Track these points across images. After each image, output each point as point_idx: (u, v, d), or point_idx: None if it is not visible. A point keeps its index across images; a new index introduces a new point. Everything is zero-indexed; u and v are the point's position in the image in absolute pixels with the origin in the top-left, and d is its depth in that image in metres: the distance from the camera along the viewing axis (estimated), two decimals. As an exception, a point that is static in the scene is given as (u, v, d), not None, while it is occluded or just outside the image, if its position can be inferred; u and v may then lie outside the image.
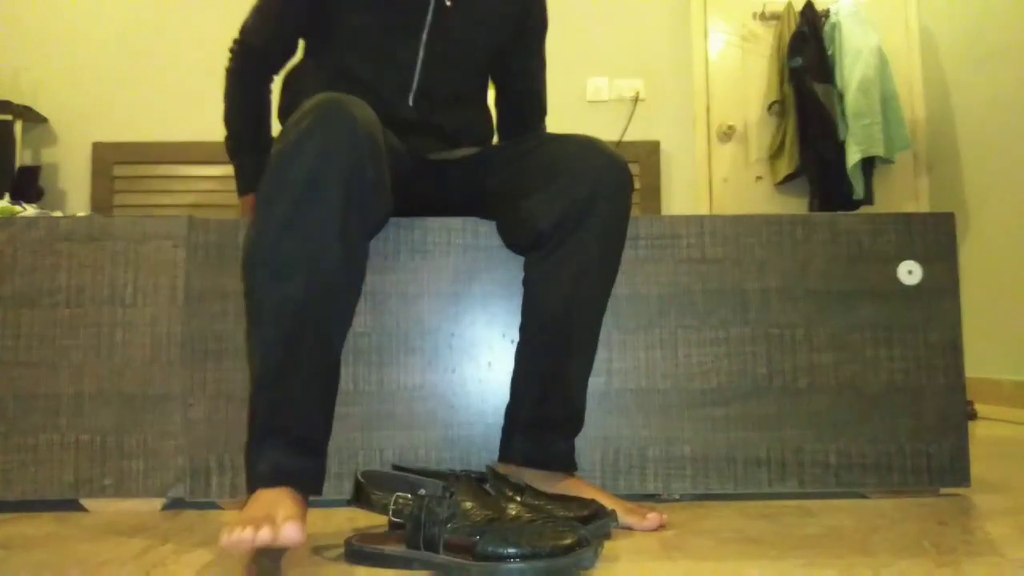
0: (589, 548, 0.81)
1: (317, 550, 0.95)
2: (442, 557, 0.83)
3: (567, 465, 1.14)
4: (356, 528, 1.06)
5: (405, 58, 1.27)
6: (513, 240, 1.19)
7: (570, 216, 1.08)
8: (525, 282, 1.16)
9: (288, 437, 0.92)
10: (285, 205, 0.91)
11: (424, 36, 1.26)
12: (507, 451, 1.13)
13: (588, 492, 1.09)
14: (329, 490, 1.19)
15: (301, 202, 0.90)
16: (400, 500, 0.87)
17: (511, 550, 0.80)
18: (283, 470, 0.91)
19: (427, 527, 0.84)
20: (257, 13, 1.34)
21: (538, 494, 1.03)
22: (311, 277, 0.91)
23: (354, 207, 0.93)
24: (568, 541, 0.81)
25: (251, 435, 0.94)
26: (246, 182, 1.37)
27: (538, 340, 1.13)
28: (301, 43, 1.38)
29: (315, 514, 1.15)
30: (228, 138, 1.38)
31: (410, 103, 1.28)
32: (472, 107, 1.38)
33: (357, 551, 0.89)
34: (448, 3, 1.26)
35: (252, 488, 0.92)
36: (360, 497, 0.90)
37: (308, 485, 0.93)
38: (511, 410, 1.15)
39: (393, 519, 0.87)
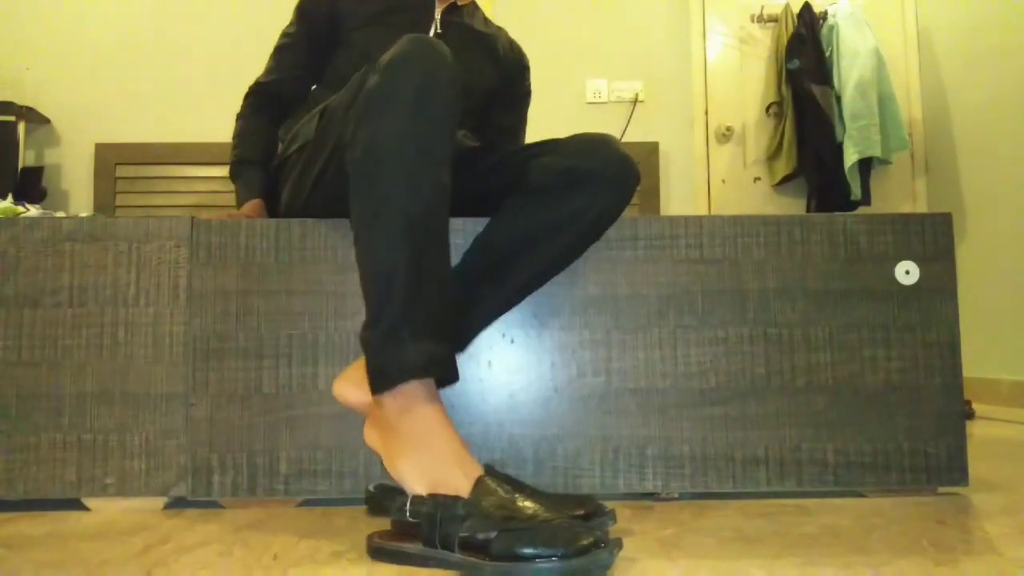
0: (605, 549, 0.80)
1: (318, 548, 0.96)
2: (457, 556, 0.83)
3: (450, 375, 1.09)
4: (359, 527, 1.06)
5: None
6: (503, 193, 1.21)
7: (565, 177, 1.12)
8: (506, 201, 1.19)
9: (430, 327, 0.94)
10: (404, 112, 0.95)
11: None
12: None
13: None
14: (330, 489, 1.19)
15: (419, 108, 0.95)
16: (416, 500, 0.87)
17: (527, 550, 0.80)
18: (435, 359, 0.94)
19: (443, 525, 0.84)
20: (273, 58, 1.50)
21: (534, 493, 1.03)
22: (434, 179, 0.96)
23: (456, 117, 1.00)
24: (585, 542, 0.80)
25: (385, 329, 0.93)
26: (249, 192, 1.42)
27: (478, 260, 1.17)
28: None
29: (315, 513, 1.16)
30: (234, 163, 1.45)
31: None
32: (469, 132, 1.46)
33: (379, 548, 0.89)
34: (439, 30, 1.40)
35: (401, 380, 0.92)
36: (376, 508, 0.91)
37: (452, 372, 0.98)
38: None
39: (406, 520, 0.87)
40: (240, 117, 1.49)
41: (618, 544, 0.82)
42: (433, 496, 0.87)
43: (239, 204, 1.41)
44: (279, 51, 1.49)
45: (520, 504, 0.87)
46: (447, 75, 0.97)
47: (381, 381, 0.93)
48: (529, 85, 1.61)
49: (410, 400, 0.93)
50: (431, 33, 1.37)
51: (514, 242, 1.15)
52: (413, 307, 0.93)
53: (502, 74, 1.52)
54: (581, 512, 0.98)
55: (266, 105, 1.48)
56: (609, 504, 1.20)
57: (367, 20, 1.40)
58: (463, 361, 1.24)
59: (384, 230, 0.94)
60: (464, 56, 1.32)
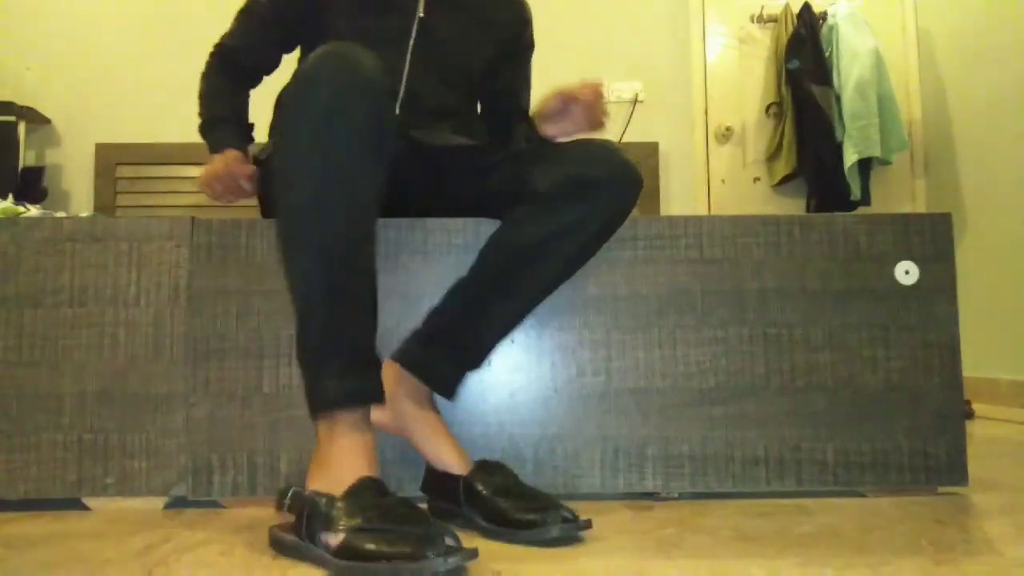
0: (440, 557, 0.79)
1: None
2: (316, 550, 0.85)
3: (443, 389, 1.13)
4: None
5: (392, 65, 1.26)
6: (505, 205, 1.19)
7: (571, 185, 1.10)
8: (502, 220, 1.17)
9: (346, 358, 0.95)
10: (311, 135, 0.92)
11: (410, 44, 1.28)
12: (397, 351, 1.14)
13: (441, 440, 1.10)
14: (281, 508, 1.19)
15: (327, 129, 0.92)
16: (295, 494, 0.90)
17: (369, 546, 0.81)
18: (355, 393, 0.94)
19: (309, 521, 0.87)
20: (238, 21, 1.39)
21: (498, 490, 1.03)
22: (349, 202, 0.93)
23: (374, 132, 0.95)
24: (408, 549, 0.79)
25: (308, 358, 0.96)
26: (221, 142, 1.32)
27: (484, 271, 1.15)
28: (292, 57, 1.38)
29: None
30: (203, 123, 1.36)
31: (396, 111, 1.26)
32: (458, 122, 1.36)
33: (273, 538, 0.94)
34: (421, 14, 1.29)
35: (322, 411, 0.94)
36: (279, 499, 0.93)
37: (376, 398, 0.97)
38: (422, 323, 1.16)
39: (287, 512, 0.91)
40: (204, 76, 1.39)
41: (466, 555, 0.81)
42: (309, 493, 0.89)
43: (213, 144, 1.32)
44: (245, 15, 1.38)
45: (400, 510, 0.86)
46: (358, 93, 0.93)
47: (310, 409, 0.96)
48: (530, 38, 1.50)
49: (333, 428, 0.94)
50: (418, 13, 1.29)
51: (520, 252, 1.13)
52: (331, 339, 0.94)
53: (498, 38, 1.41)
54: (527, 517, 0.98)
55: (229, 69, 1.39)
56: (609, 504, 1.21)
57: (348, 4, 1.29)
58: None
59: (298, 261, 0.95)
60: (455, 34, 1.31)
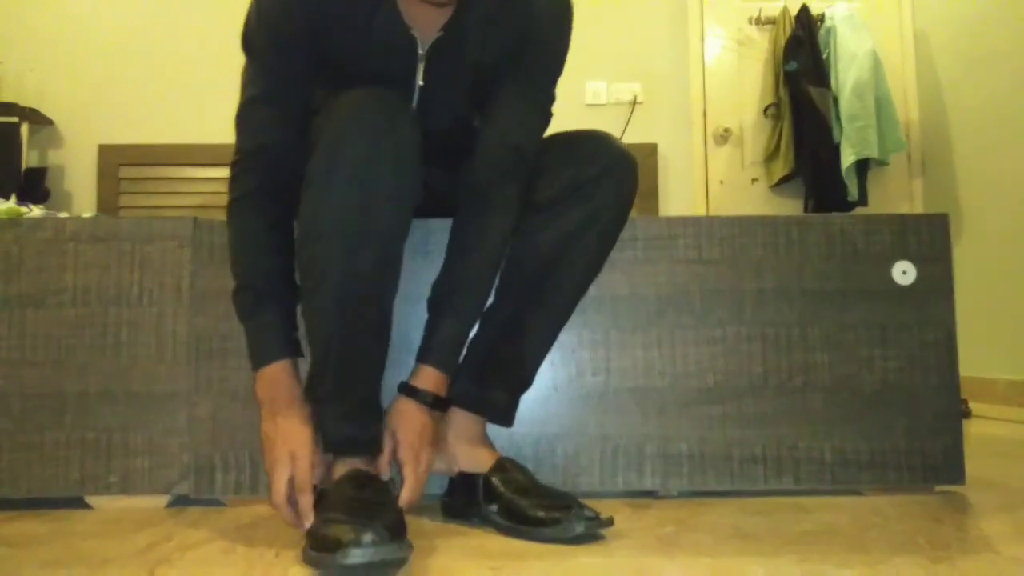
0: (372, 546, 0.79)
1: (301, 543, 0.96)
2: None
3: (502, 417, 1.14)
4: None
5: None
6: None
7: (574, 187, 1.09)
8: (515, 235, 1.13)
9: (353, 407, 1.00)
10: (347, 180, 0.92)
11: (416, 97, 1.15)
12: (449, 391, 1.12)
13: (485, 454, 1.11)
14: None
15: (363, 176, 0.92)
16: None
17: (327, 532, 0.83)
18: (353, 441, 1.00)
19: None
20: (242, 124, 1.09)
21: (519, 488, 1.04)
22: (377, 250, 0.94)
23: (407, 181, 0.96)
24: (342, 534, 0.80)
25: (320, 402, 1.00)
26: (267, 348, 1.04)
27: (508, 289, 1.13)
28: None
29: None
30: (239, 291, 1.06)
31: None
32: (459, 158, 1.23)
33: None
34: (421, 83, 1.11)
35: (331, 451, 1.01)
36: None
37: (374, 449, 1.02)
38: (464, 356, 1.13)
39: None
40: (229, 213, 1.08)
41: (391, 550, 0.81)
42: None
43: (258, 357, 1.04)
44: (247, 111, 1.09)
45: (373, 498, 0.90)
46: (392, 142, 0.93)
47: (323, 446, 1.01)
48: (535, 64, 1.15)
49: (336, 467, 1.00)
50: (417, 82, 1.12)
51: (539, 263, 1.11)
52: (342, 388, 0.99)
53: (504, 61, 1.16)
54: (550, 515, 0.99)
55: (259, 190, 1.06)
56: (609, 502, 1.22)
57: (348, 66, 1.09)
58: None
59: (319, 308, 0.96)
60: (457, 96, 1.16)
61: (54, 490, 1.20)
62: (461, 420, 1.11)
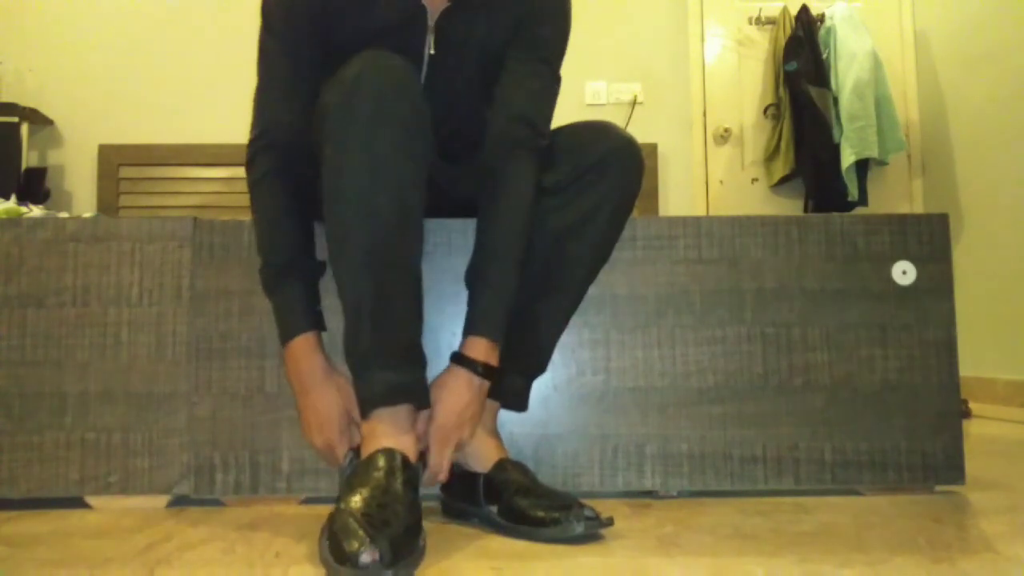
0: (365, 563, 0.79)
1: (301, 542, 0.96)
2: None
3: (516, 403, 1.16)
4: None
5: None
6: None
7: (578, 175, 1.11)
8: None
9: (395, 355, 0.98)
10: (358, 137, 0.95)
11: (421, 78, 1.17)
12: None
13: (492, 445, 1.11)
14: (332, 488, 1.20)
15: (374, 134, 0.94)
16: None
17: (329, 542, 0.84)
18: (399, 388, 0.98)
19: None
20: (259, 103, 1.13)
21: (519, 488, 1.03)
22: (393, 200, 0.96)
23: (418, 137, 0.98)
24: (349, 548, 0.80)
25: (358, 359, 0.99)
26: (292, 322, 1.08)
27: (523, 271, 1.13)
28: None
29: (317, 511, 1.16)
30: (263, 268, 1.11)
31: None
32: (469, 142, 1.24)
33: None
34: (432, 51, 1.15)
35: (369, 408, 0.98)
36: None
37: (422, 398, 1.01)
38: None
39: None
40: (251, 190, 1.12)
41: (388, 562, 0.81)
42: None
43: (286, 329, 1.08)
44: (263, 92, 1.13)
45: (392, 498, 0.89)
46: (399, 96, 0.96)
47: (361, 408, 0.99)
48: (535, 38, 1.18)
49: (375, 428, 0.98)
50: (428, 50, 1.15)
51: (548, 248, 1.13)
52: (379, 338, 0.98)
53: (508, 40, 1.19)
54: (550, 514, 0.98)
55: (277, 168, 1.11)
56: (609, 502, 1.22)
57: (358, 43, 1.09)
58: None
59: (347, 264, 0.97)
60: (467, 71, 1.18)
61: (54, 490, 1.20)
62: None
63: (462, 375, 1.05)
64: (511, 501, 1.02)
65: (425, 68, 1.17)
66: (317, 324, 1.09)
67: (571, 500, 1.00)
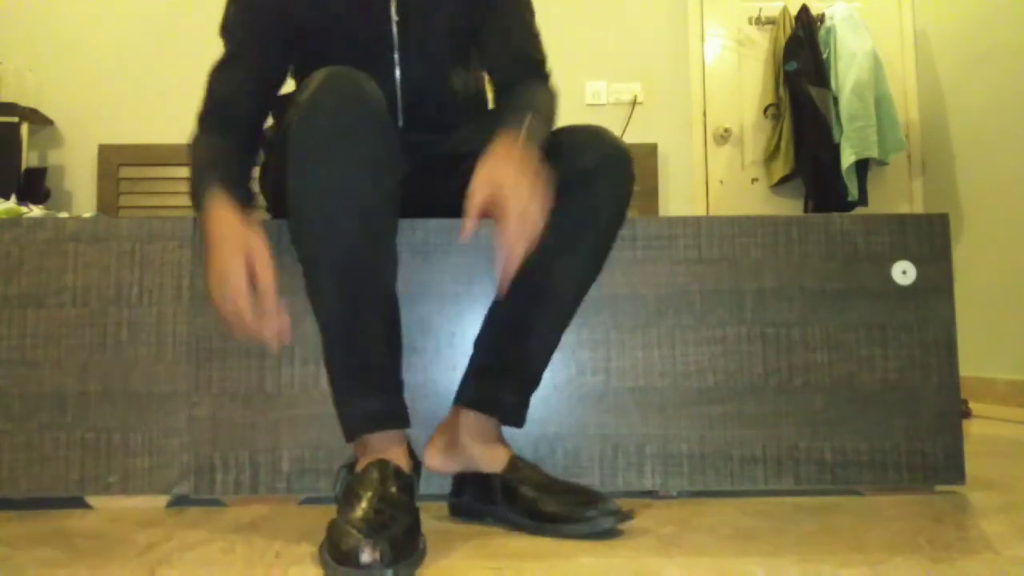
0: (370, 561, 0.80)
1: (301, 542, 0.96)
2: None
3: (512, 417, 1.12)
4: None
5: (384, 83, 1.21)
6: None
7: (568, 183, 1.07)
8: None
9: (368, 382, 0.99)
10: (318, 161, 0.93)
11: (395, 51, 1.22)
12: (458, 394, 1.12)
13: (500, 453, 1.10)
14: (332, 488, 1.20)
15: (334, 154, 0.93)
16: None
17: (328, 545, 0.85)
18: (377, 415, 0.98)
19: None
20: (212, 80, 1.18)
21: (539, 486, 1.03)
22: (359, 219, 0.94)
23: (382, 153, 0.96)
24: (348, 547, 0.81)
25: (334, 386, 1.00)
26: (206, 188, 1.06)
27: (510, 288, 1.10)
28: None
29: (317, 511, 1.16)
30: (191, 186, 1.10)
31: (400, 123, 1.25)
32: (460, 109, 1.31)
33: None
34: (396, 17, 1.19)
35: (353, 435, 0.99)
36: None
37: (402, 420, 1.00)
38: (471, 357, 1.14)
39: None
40: (190, 151, 1.16)
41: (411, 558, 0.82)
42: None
43: (196, 209, 1.07)
44: (219, 71, 1.18)
45: (389, 503, 0.90)
46: (359, 112, 0.94)
47: (344, 435, 1.01)
48: None
49: (365, 446, 0.99)
50: (393, 17, 1.19)
51: (538, 259, 1.07)
52: (350, 364, 0.98)
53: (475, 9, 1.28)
54: (569, 512, 0.99)
55: (218, 130, 1.16)
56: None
57: (323, 25, 1.19)
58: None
59: (317, 287, 0.97)
60: (437, 23, 1.23)
61: (54, 490, 1.20)
62: (474, 421, 1.10)
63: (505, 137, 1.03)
64: (533, 499, 1.01)
65: (396, 33, 1.19)
66: (234, 186, 1.05)
67: (594, 494, 1.00)
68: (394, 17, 1.20)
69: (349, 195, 0.94)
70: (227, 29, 1.19)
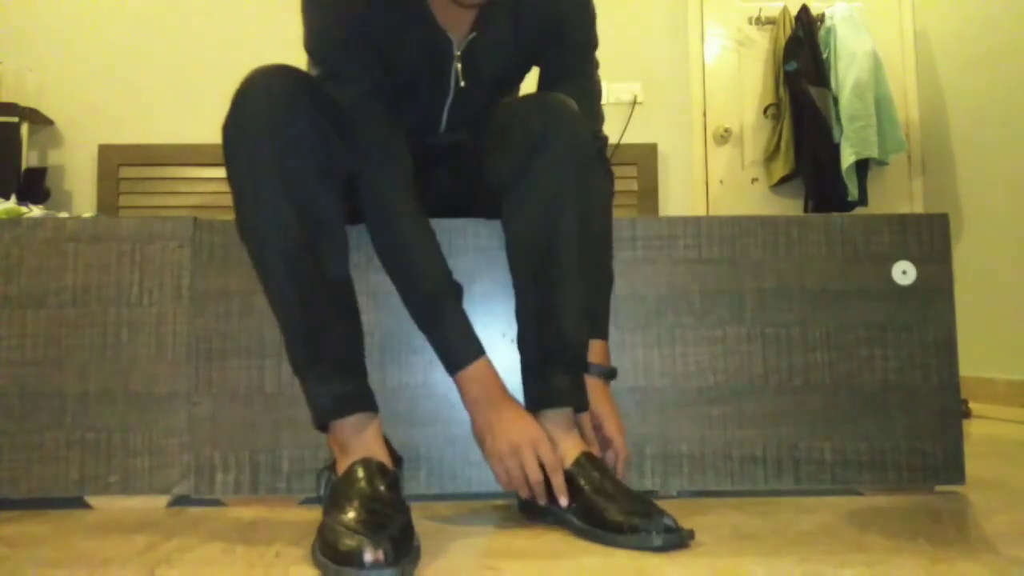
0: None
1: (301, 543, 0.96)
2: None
3: (574, 401, 1.08)
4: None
5: (431, 115, 1.25)
6: (492, 203, 1.17)
7: (524, 154, 1.07)
8: (503, 224, 1.14)
9: (329, 367, 1.00)
10: (247, 160, 0.97)
11: (447, 104, 1.23)
12: (526, 401, 1.10)
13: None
14: (316, 491, 1.20)
15: (264, 152, 0.96)
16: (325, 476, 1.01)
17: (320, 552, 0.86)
18: (344, 399, 1.00)
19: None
20: (359, 110, 1.11)
21: (598, 488, 1.00)
22: (303, 214, 0.97)
23: (316, 143, 0.99)
24: (349, 547, 0.82)
25: (299, 374, 1.02)
26: (470, 342, 1.08)
27: (522, 277, 1.12)
28: None
29: (317, 511, 1.16)
30: (414, 296, 1.11)
31: (441, 129, 1.27)
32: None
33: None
34: (463, 84, 1.19)
35: (324, 421, 1.01)
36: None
37: (369, 404, 1.02)
38: (521, 359, 1.12)
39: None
40: (381, 221, 1.11)
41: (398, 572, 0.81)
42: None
43: (455, 363, 1.08)
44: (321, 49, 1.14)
45: (383, 503, 0.91)
46: (285, 105, 0.96)
47: (313, 421, 1.03)
48: (575, 32, 1.25)
49: (339, 436, 1.01)
50: (451, 88, 1.20)
51: (531, 242, 1.09)
52: (310, 350, 1.00)
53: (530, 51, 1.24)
54: (627, 521, 0.96)
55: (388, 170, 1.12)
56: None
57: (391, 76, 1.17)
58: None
59: (268, 276, 0.99)
60: (487, 90, 1.24)
61: (54, 490, 1.20)
62: (545, 420, 1.07)
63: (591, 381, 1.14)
64: (591, 501, 0.99)
65: (451, 97, 1.21)
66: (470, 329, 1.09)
67: (651, 506, 0.97)
68: (457, 83, 1.20)
69: (290, 185, 0.96)
70: (332, 84, 1.11)
